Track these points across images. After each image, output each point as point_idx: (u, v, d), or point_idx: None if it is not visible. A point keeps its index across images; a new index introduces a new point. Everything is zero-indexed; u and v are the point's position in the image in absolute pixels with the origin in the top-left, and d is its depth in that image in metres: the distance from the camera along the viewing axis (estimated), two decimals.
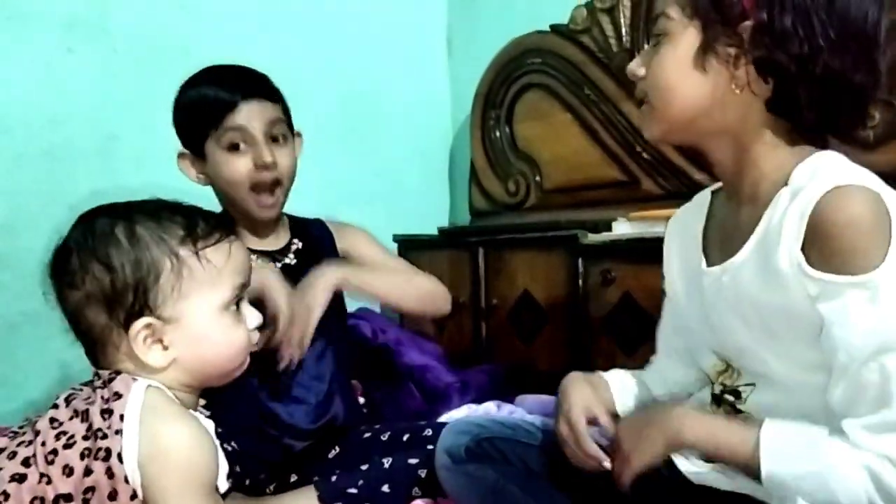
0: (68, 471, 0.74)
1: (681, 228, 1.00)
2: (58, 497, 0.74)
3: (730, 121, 0.83)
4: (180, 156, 1.32)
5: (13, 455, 0.76)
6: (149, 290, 0.79)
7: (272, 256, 1.35)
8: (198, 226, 0.83)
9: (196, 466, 0.77)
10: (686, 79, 0.83)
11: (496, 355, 1.79)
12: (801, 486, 0.75)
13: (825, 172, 0.77)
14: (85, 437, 0.75)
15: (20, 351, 1.66)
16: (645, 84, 0.88)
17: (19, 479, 0.75)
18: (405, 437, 1.24)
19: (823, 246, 0.73)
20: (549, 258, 1.66)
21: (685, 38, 0.82)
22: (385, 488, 1.17)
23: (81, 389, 0.82)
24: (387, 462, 1.19)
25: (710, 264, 0.90)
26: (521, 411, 1.46)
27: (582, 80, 1.90)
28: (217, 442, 0.82)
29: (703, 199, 1.00)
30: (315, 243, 1.41)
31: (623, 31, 1.82)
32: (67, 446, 0.75)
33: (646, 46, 0.90)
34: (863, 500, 0.72)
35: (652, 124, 0.89)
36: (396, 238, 2.07)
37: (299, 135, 1.39)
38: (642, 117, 0.91)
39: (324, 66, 2.14)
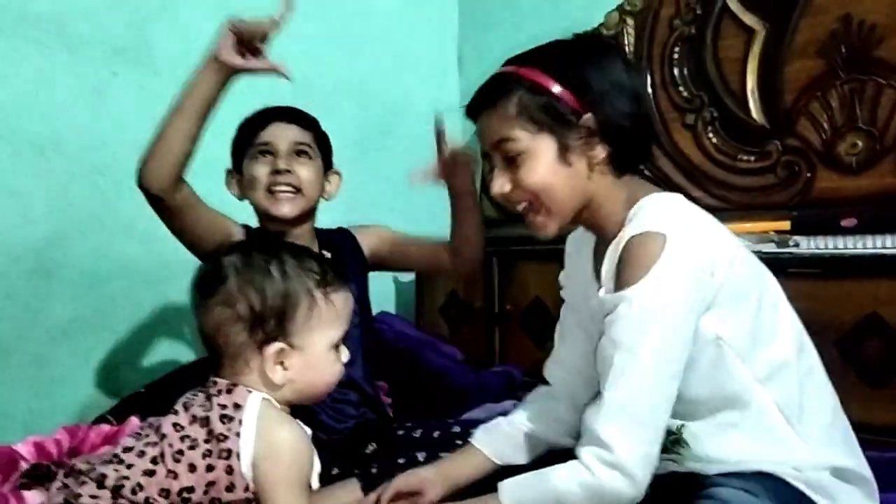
0: (192, 468, 0.89)
1: (579, 242, 1.13)
2: (182, 489, 0.89)
3: (595, 189, 1.00)
4: (227, 172, 1.50)
5: (142, 454, 0.91)
6: (287, 321, 0.93)
7: None
8: (328, 273, 0.98)
9: (299, 465, 0.92)
10: (560, 178, 0.98)
11: (509, 358, 1.93)
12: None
13: (636, 222, 0.95)
14: (206, 441, 0.90)
15: (70, 356, 1.80)
16: (520, 195, 1.00)
17: (150, 473, 0.89)
18: (436, 434, 1.39)
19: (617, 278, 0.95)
20: (560, 267, 1.80)
21: (542, 148, 0.97)
22: None
23: (196, 395, 0.96)
24: (421, 456, 1.33)
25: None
26: None
27: None
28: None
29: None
30: (342, 252, 1.55)
31: (627, 51, 1.96)
32: (191, 448, 0.90)
33: (497, 163, 1.01)
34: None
35: (549, 224, 1.01)
36: None
37: (337, 173, 1.55)
38: (535, 225, 1.02)
39: (339, 82, 2.26)
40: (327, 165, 1.53)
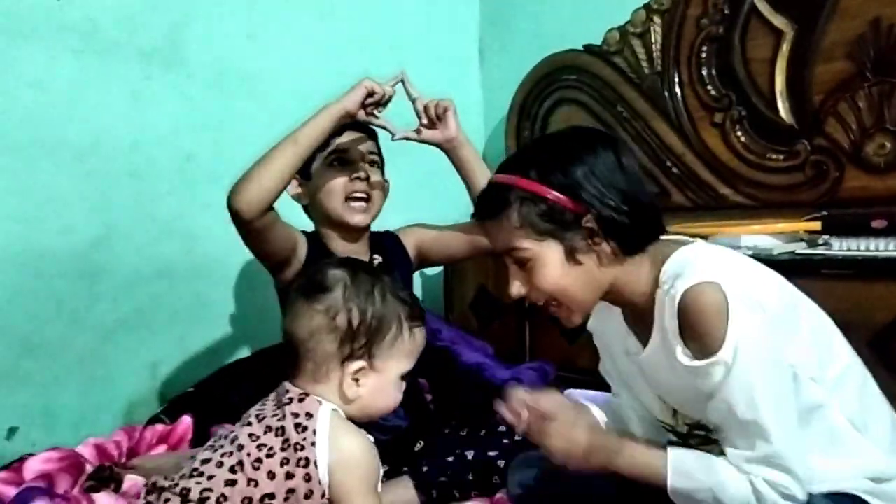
0: (271, 475, 0.93)
1: (604, 317, 1.14)
2: (263, 496, 0.93)
3: (610, 277, 1.02)
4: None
5: (220, 464, 0.95)
6: (375, 343, 0.99)
7: None
8: (416, 308, 1.04)
9: (369, 470, 0.97)
10: (572, 278, 1.00)
11: (539, 354, 1.98)
12: (698, 497, 0.95)
13: (682, 278, 0.96)
14: (282, 449, 0.94)
15: (115, 355, 1.85)
16: (538, 296, 1.03)
17: (231, 483, 0.94)
18: (482, 433, 1.44)
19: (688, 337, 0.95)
20: None
21: (549, 253, 0.99)
22: (469, 477, 1.37)
23: (265, 405, 1.01)
24: (469, 454, 1.39)
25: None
26: None
27: (615, 99, 2.07)
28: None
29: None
30: (390, 254, 1.61)
31: (654, 54, 1.99)
32: (269, 456, 0.94)
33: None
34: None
35: (573, 317, 1.05)
36: None
37: (387, 181, 1.60)
38: (559, 316, 1.05)
39: (359, 77, 2.26)
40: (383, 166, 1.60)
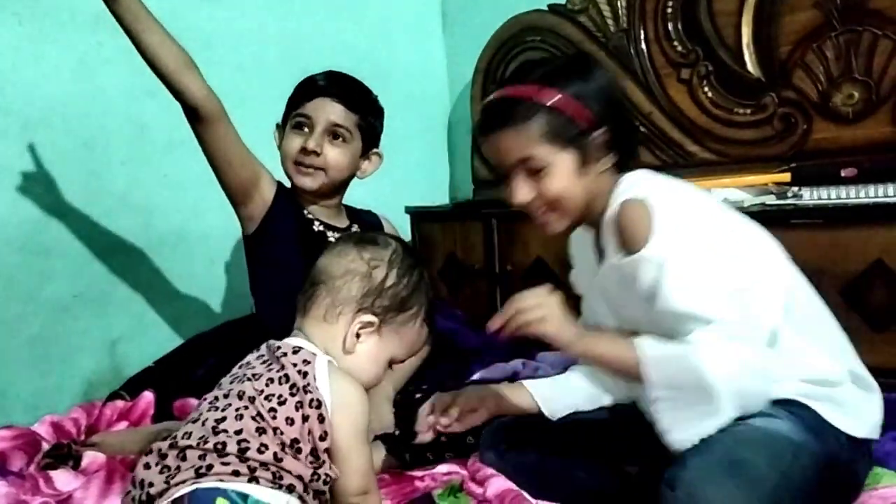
0: (290, 421, 0.90)
1: (580, 240, 1.22)
2: (291, 441, 0.89)
3: (597, 190, 1.09)
4: (277, 126, 1.57)
5: (240, 416, 0.89)
6: (392, 311, 1.00)
7: (338, 232, 1.55)
8: (432, 311, 1.06)
9: (364, 416, 0.96)
10: (578, 185, 1.07)
11: None
12: (671, 367, 0.97)
13: (621, 196, 1.06)
14: (291, 394, 0.91)
15: (71, 334, 1.78)
16: (540, 202, 1.08)
17: (262, 431, 0.89)
18: None
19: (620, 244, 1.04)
20: None
21: (563, 162, 1.06)
22: (442, 438, 1.33)
23: (252, 366, 0.97)
24: None
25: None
26: (546, 367, 1.63)
27: None
28: None
29: None
30: (371, 228, 1.60)
31: (620, 11, 1.96)
32: (281, 404, 0.91)
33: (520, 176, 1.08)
34: (734, 369, 0.95)
35: (560, 224, 1.11)
36: (409, 210, 2.21)
37: (379, 154, 1.57)
38: (544, 224, 1.11)
39: (324, 44, 2.21)
40: (370, 145, 1.56)
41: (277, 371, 0.94)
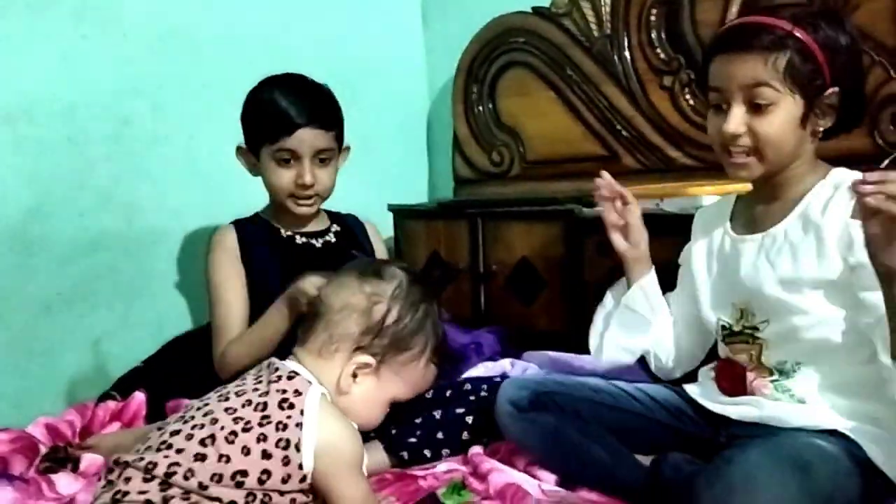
0: (246, 451, 0.88)
1: (708, 217, 1.28)
2: (235, 472, 0.87)
3: (804, 151, 1.11)
4: (239, 149, 1.56)
5: (190, 437, 0.89)
6: (392, 351, 0.96)
7: (315, 236, 1.60)
8: (443, 347, 1.03)
9: (358, 455, 0.94)
10: (793, 136, 1.08)
11: (496, 317, 1.97)
12: None
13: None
14: (260, 424, 0.89)
15: (54, 332, 1.76)
16: (748, 140, 1.08)
17: (201, 458, 0.87)
18: (448, 393, 1.43)
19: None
20: (547, 229, 1.85)
21: (791, 106, 1.06)
22: (440, 435, 1.35)
23: (244, 381, 0.96)
24: (437, 414, 1.38)
25: (741, 239, 1.16)
26: (534, 366, 1.66)
27: (564, 61, 2.07)
28: None
29: (728, 199, 1.29)
30: (351, 229, 1.65)
31: (604, 17, 1.99)
32: (245, 430, 0.89)
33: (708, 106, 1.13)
34: None
35: (755, 170, 1.11)
36: (392, 208, 2.22)
37: (348, 148, 1.60)
38: (741, 166, 1.11)
39: (304, 39, 2.19)
40: (342, 144, 1.59)
41: (260, 396, 0.91)
